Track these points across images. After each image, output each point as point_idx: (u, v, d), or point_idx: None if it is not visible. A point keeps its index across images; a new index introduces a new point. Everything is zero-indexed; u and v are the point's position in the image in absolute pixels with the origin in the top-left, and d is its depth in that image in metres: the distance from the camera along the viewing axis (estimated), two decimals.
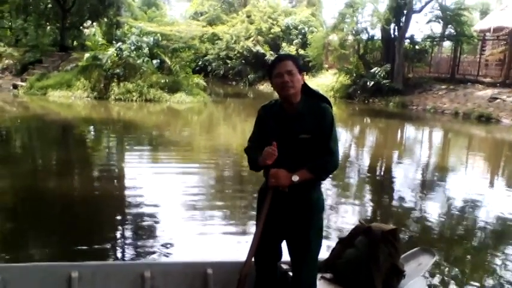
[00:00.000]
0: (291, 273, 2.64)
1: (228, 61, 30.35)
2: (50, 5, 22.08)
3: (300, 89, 2.45)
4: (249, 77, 29.13)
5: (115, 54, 16.72)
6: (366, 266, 2.54)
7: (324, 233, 4.11)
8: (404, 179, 8.07)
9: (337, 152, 2.45)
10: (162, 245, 4.34)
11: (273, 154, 2.38)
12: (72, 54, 19.76)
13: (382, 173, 8.73)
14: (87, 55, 17.14)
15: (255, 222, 4.95)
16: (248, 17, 30.79)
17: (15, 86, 18.27)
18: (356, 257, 2.58)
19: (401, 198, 6.70)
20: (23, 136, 11.06)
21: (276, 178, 2.39)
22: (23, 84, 18.01)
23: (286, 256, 2.62)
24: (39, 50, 20.25)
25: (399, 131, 14.84)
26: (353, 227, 2.85)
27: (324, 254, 2.69)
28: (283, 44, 28.55)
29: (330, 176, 2.56)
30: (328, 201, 5.92)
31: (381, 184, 7.84)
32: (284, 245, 2.59)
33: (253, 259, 2.52)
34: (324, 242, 2.65)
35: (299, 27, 28.93)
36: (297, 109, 2.45)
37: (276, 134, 2.46)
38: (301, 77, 2.45)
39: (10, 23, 24.71)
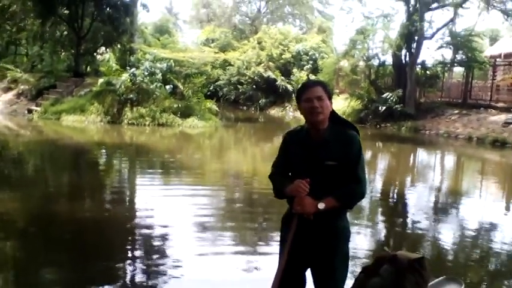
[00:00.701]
0: None
1: (239, 86, 30.58)
2: (65, 32, 22.54)
3: (328, 115, 2.42)
4: (260, 101, 29.28)
5: (129, 80, 16.94)
6: None
7: None
8: (418, 203, 7.94)
9: (364, 180, 2.41)
10: (172, 269, 4.30)
11: (305, 191, 2.33)
12: (86, 80, 20.07)
13: (395, 198, 8.61)
14: (101, 80, 17.39)
15: (268, 244, 4.93)
16: (259, 43, 31.13)
17: (29, 111, 18.53)
18: (381, 286, 2.50)
19: (415, 223, 6.58)
20: (36, 160, 11.14)
21: (301, 205, 2.34)
22: (38, 109, 18.26)
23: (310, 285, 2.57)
24: (53, 76, 20.60)
25: (412, 156, 14.73)
26: (375, 255, 2.79)
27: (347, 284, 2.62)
28: (294, 70, 28.74)
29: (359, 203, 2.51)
30: None
31: (393, 209, 7.73)
32: (308, 273, 2.53)
33: None
34: None
35: (310, 53, 29.15)
36: (323, 135, 2.41)
37: (301, 161, 2.43)
38: (330, 104, 2.42)
39: (26, 50, 25.28)
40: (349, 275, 2.55)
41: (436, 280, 2.85)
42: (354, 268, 3.74)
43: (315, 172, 2.38)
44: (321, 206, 2.32)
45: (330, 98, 2.43)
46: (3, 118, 17.87)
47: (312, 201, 2.33)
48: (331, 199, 2.34)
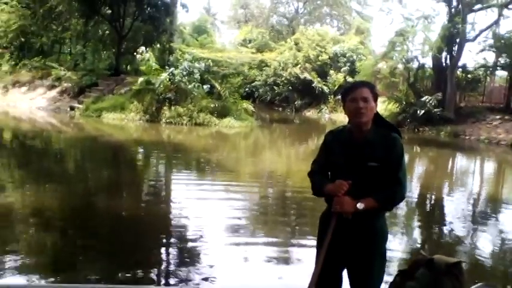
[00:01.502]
0: None
1: (275, 87, 30.62)
2: (107, 32, 23.16)
3: (371, 117, 2.43)
4: (295, 103, 29.25)
5: (167, 79, 17.25)
6: None
7: None
8: (456, 210, 7.77)
9: (405, 183, 2.42)
10: (206, 270, 4.33)
11: (344, 190, 2.37)
12: (126, 78, 20.56)
13: (433, 203, 8.46)
14: (140, 79, 17.77)
15: (303, 250, 4.93)
16: (296, 44, 31.07)
17: (72, 108, 19.16)
18: None
19: (452, 230, 6.46)
20: (77, 156, 11.51)
21: (340, 205, 2.37)
22: (80, 106, 18.85)
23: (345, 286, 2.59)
24: (95, 74, 21.22)
25: (451, 161, 14.41)
26: (411, 258, 2.78)
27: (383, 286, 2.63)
28: (331, 71, 28.54)
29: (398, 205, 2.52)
30: None
31: (431, 214, 7.61)
32: (345, 273, 2.55)
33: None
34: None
35: (347, 55, 28.88)
36: (366, 136, 2.43)
37: (342, 160, 2.45)
38: (375, 105, 2.43)
39: (70, 49, 26.11)
40: (385, 276, 2.56)
41: (474, 286, 2.82)
42: (391, 270, 3.72)
43: (356, 172, 2.40)
44: (360, 206, 2.34)
45: (375, 100, 2.44)
46: (47, 115, 18.54)
47: (351, 201, 2.36)
48: (371, 200, 2.36)
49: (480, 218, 7.40)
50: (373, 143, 2.41)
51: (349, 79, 26.98)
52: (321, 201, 2.64)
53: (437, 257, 2.53)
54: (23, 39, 23.39)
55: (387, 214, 2.58)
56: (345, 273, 2.57)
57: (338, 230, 2.40)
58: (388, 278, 2.66)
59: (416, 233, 6.35)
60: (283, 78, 30.02)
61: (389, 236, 5.53)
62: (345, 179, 2.39)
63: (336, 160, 2.49)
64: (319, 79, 28.33)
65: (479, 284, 2.85)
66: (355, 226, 2.41)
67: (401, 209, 7.47)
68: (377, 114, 2.48)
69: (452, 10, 21.33)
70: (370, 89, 2.43)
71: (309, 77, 28.59)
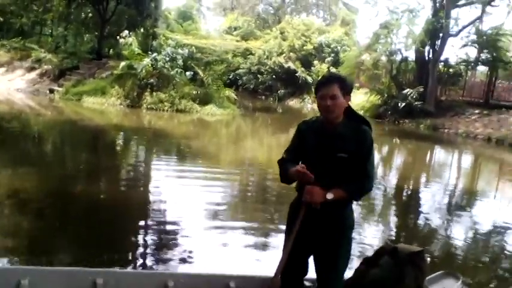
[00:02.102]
0: None
1: (259, 76, 30.55)
2: (90, 14, 22.75)
3: (340, 113, 2.46)
4: (279, 92, 29.24)
5: (150, 65, 17.06)
6: (391, 287, 2.51)
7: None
8: (431, 201, 7.91)
9: (373, 175, 2.47)
10: (184, 254, 4.37)
11: (307, 180, 2.40)
12: (108, 63, 20.27)
13: (409, 195, 8.59)
14: (122, 64, 17.54)
15: (276, 237, 4.98)
16: (281, 33, 31.00)
17: (51, 91, 18.83)
18: (381, 277, 2.56)
19: (427, 221, 6.58)
20: (55, 139, 11.36)
21: (310, 195, 2.40)
22: (59, 89, 18.54)
23: (310, 273, 2.63)
24: (76, 57, 20.84)
25: (429, 154, 14.61)
26: (378, 247, 2.84)
27: (347, 273, 2.68)
28: (315, 62, 28.58)
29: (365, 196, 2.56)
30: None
31: (407, 205, 7.73)
32: (311, 261, 2.60)
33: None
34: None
35: (332, 46, 28.94)
36: (337, 128, 2.47)
37: (314, 150, 2.49)
38: (346, 100, 2.46)
39: (51, 31, 25.58)
40: (350, 265, 2.60)
41: (435, 274, 2.90)
42: (358, 259, 3.79)
43: (326, 162, 2.45)
44: (329, 196, 2.38)
45: (347, 94, 2.46)
46: (25, 97, 18.19)
47: (321, 191, 2.39)
48: (340, 190, 2.40)
49: (454, 209, 7.55)
50: (343, 135, 2.44)
51: (333, 69, 27.07)
52: None
53: (400, 246, 2.59)
54: (1, 19, 22.80)
55: (362, 203, 2.62)
56: (310, 260, 2.61)
57: (307, 219, 2.45)
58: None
59: (391, 224, 6.44)
60: (267, 67, 29.97)
61: (365, 227, 5.66)
62: (315, 169, 2.42)
63: (308, 149, 2.52)
64: (303, 69, 28.36)
65: (439, 272, 2.94)
66: (324, 215, 2.45)
67: (378, 199, 7.59)
68: (349, 107, 2.51)
69: (437, 4, 21.51)
70: (340, 84, 2.44)
71: (293, 66, 28.59)
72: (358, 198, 2.56)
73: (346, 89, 2.46)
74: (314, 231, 2.48)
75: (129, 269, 3.99)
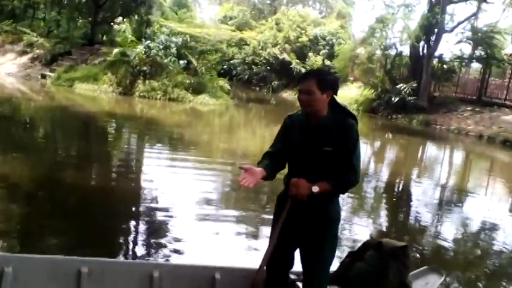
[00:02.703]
0: (299, 283, 2.64)
1: (254, 66, 30.46)
2: None
3: (321, 107, 2.45)
4: (273, 83, 29.19)
5: (143, 52, 16.94)
6: (375, 280, 2.53)
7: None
8: (422, 197, 7.93)
9: (359, 168, 2.46)
10: (174, 244, 4.35)
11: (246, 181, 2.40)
12: (101, 49, 20.08)
13: (399, 190, 8.63)
14: (115, 51, 17.41)
15: (267, 226, 4.98)
16: (277, 24, 30.88)
17: (43, 76, 18.66)
18: (365, 271, 2.57)
19: (417, 217, 6.60)
20: (46, 125, 11.27)
21: (296, 187, 2.40)
22: (51, 74, 18.38)
23: (296, 267, 2.62)
24: (69, 42, 20.62)
25: (421, 149, 14.67)
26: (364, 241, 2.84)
27: (333, 266, 2.68)
28: (310, 54, 28.53)
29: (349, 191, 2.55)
30: (343, 215, 5.90)
31: (397, 201, 7.75)
32: (297, 254, 2.59)
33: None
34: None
35: (327, 38, 28.88)
36: (322, 122, 2.46)
37: (299, 144, 2.49)
38: (326, 96, 2.43)
39: (44, 15, 25.24)
40: (336, 258, 2.60)
41: (419, 269, 2.91)
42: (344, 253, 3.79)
43: (311, 156, 2.45)
44: (315, 189, 2.37)
45: (327, 90, 2.43)
46: (16, 81, 18.03)
47: (306, 184, 2.39)
48: (326, 184, 2.39)
49: (444, 206, 7.58)
50: (328, 129, 2.43)
51: (327, 62, 27.08)
52: None
53: (385, 241, 2.59)
54: None
55: (353, 197, 2.61)
56: (296, 253, 2.60)
57: (293, 212, 2.44)
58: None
59: (381, 219, 6.46)
60: (261, 58, 29.89)
61: (354, 222, 5.66)
62: (301, 163, 2.45)
63: (293, 143, 2.52)
64: (297, 61, 28.31)
65: (423, 268, 2.96)
66: (309, 209, 2.45)
67: (369, 193, 7.61)
68: (334, 101, 2.50)
69: (433, 0, 21.46)
70: (318, 80, 2.42)
71: (287, 58, 28.54)
72: (344, 191, 2.56)
73: (325, 85, 2.43)
74: (300, 224, 2.48)
75: (116, 258, 3.96)
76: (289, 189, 2.45)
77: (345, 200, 6.41)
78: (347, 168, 2.42)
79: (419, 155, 13.87)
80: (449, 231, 5.99)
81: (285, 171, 2.61)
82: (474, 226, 6.46)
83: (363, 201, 6.87)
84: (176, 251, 4.22)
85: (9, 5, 22.92)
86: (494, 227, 6.44)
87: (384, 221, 6.35)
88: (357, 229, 5.44)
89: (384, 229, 5.83)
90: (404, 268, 2.50)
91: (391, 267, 2.47)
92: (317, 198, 2.40)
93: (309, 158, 2.44)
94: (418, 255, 4.79)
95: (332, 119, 2.46)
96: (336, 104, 2.51)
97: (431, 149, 15.38)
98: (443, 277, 2.88)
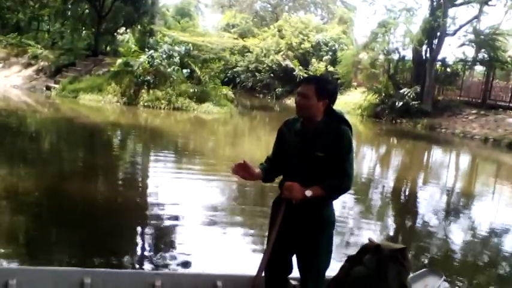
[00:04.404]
0: None
1: (257, 74, 30.49)
2: (87, 11, 22.68)
3: (314, 114, 2.49)
4: (276, 90, 29.20)
5: (147, 62, 17.03)
6: (375, 284, 2.53)
7: (340, 252, 4.09)
8: (428, 202, 7.91)
9: (351, 174, 2.49)
10: (178, 252, 4.38)
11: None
12: (104, 59, 20.21)
13: (406, 195, 8.61)
14: (119, 61, 17.50)
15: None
16: (279, 31, 30.94)
17: (48, 88, 18.78)
18: (364, 275, 2.58)
19: (424, 222, 6.59)
20: (52, 137, 11.33)
21: (289, 191, 2.44)
22: (56, 86, 18.50)
23: (296, 272, 2.63)
24: (73, 54, 20.78)
25: (426, 154, 14.62)
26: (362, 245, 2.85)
27: (333, 271, 2.68)
28: (313, 60, 28.54)
29: (344, 195, 2.59)
30: (350, 220, 5.94)
31: (404, 206, 7.72)
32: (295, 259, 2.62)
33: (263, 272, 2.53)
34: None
35: (329, 44, 28.90)
36: (317, 128, 2.50)
37: (294, 149, 2.54)
38: (322, 104, 2.48)
39: (48, 27, 25.51)
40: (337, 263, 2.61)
41: (418, 272, 2.92)
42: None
43: (305, 161, 2.50)
44: (308, 193, 2.41)
45: (324, 98, 2.48)
46: (22, 93, 18.16)
47: (299, 187, 2.43)
48: (319, 188, 2.43)
49: (451, 210, 7.55)
50: (322, 134, 2.48)
51: (331, 68, 27.08)
52: None
53: (383, 244, 2.61)
54: None
55: (360, 203, 2.62)
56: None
57: (287, 217, 2.47)
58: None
59: (388, 224, 6.45)
60: (265, 65, 29.92)
61: (362, 227, 5.64)
62: (294, 167, 2.50)
63: (287, 149, 2.58)
64: (300, 67, 28.31)
65: (423, 270, 2.97)
66: (303, 213, 2.48)
67: (376, 198, 7.62)
68: (329, 108, 2.53)
69: (434, 4, 21.46)
70: (317, 86, 2.48)
71: (290, 64, 28.55)
72: (336, 196, 2.58)
73: (323, 93, 2.48)
74: (295, 228, 2.51)
75: (119, 268, 3.97)
76: (282, 193, 2.50)
77: (352, 204, 6.42)
78: (340, 174, 2.46)
79: (425, 159, 13.83)
80: (456, 236, 5.97)
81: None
82: (482, 230, 6.43)
83: (370, 206, 6.87)
84: (180, 259, 4.23)
85: (14, 18, 23.19)
86: (502, 231, 6.40)
87: (391, 225, 6.34)
88: (365, 234, 5.42)
89: (391, 233, 5.82)
90: (403, 270, 2.52)
91: (390, 270, 2.49)
92: (310, 203, 2.44)
93: (302, 162, 2.49)
94: (425, 260, 4.77)
95: (326, 125, 2.50)
96: (331, 111, 2.55)
97: (437, 153, 15.33)
98: (443, 279, 2.90)
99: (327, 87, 2.53)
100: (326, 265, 2.55)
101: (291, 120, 2.66)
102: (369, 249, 2.60)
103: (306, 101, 2.46)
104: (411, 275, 2.78)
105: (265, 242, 4.71)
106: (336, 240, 4.74)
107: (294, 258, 2.62)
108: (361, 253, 2.63)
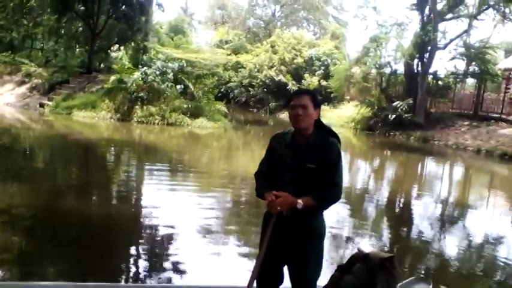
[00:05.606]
0: None
1: (251, 89, 30.68)
2: (80, 29, 22.80)
3: (311, 124, 2.57)
4: (270, 105, 29.35)
5: (140, 78, 17.09)
6: None
7: (333, 262, 4.10)
8: (423, 213, 7.93)
9: (340, 185, 2.55)
10: (173, 266, 4.38)
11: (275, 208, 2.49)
12: (98, 76, 20.26)
13: (400, 207, 8.62)
14: (113, 78, 17.55)
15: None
16: (272, 47, 31.23)
17: (41, 105, 18.78)
18: (354, 284, 2.59)
19: (419, 233, 6.60)
20: (46, 154, 11.29)
21: (280, 201, 2.48)
22: (50, 103, 18.50)
23: (287, 282, 2.64)
24: (67, 71, 20.82)
25: (420, 165, 14.69)
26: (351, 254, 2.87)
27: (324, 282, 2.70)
28: (306, 75, 28.78)
29: (333, 205, 2.63)
30: (345, 232, 5.97)
31: (399, 217, 7.74)
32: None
33: (255, 283, 2.54)
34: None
35: (322, 59, 29.18)
36: (307, 140, 2.56)
37: (284, 162, 2.58)
38: (316, 112, 2.57)
39: (42, 45, 25.59)
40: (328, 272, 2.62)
41: (407, 280, 2.94)
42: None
43: (295, 172, 2.54)
44: (299, 204, 2.45)
45: (317, 107, 2.58)
46: (15, 111, 18.14)
47: (290, 198, 2.47)
48: (309, 198, 2.48)
49: (446, 221, 7.57)
50: (312, 147, 2.54)
51: (324, 82, 27.30)
52: None
53: (372, 253, 2.63)
54: None
55: (355, 215, 2.64)
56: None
57: (278, 227, 2.50)
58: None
59: (384, 235, 6.46)
60: (258, 80, 30.12)
61: (357, 239, 5.65)
62: (285, 179, 2.54)
63: (278, 161, 2.62)
64: (293, 82, 28.51)
65: (411, 278, 2.99)
66: (294, 224, 2.52)
67: (370, 210, 7.63)
68: (319, 120, 2.61)
69: (425, 18, 21.78)
70: (311, 96, 2.58)
71: (283, 79, 28.76)
72: (327, 206, 2.62)
73: (316, 102, 2.59)
74: (285, 238, 2.54)
75: (116, 283, 3.96)
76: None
77: (346, 215, 6.43)
78: (330, 184, 2.51)
79: (419, 171, 13.89)
80: (451, 247, 5.98)
81: None
82: (476, 240, 6.45)
83: (364, 218, 6.88)
84: (174, 271, 4.25)
85: (7, 36, 23.25)
86: (494, 241, 6.43)
87: (386, 237, 6.35)
88: (361, 245, 5.43)
89: (387, 246, 5.83)
90: (392, 279, 2.53)
91: (379, 278, 2.50)
92: (300, 213, 2.47)
93: (293, 174, 2.53)
94: (421, 271, 4.77)
95: (316, 138, 2.56)
96: (321, 123, 2.63)
97: (430, 165, 15.39)
98: (431, 287, 2.91)
99: (317, 97, 2.64)
100: (317, 276, 2.58)
101: (280, 134, 2.72)
102: (358, 258, 2.63)
103: (305, 111, 2.52)
104: (400, 283, 2.80)
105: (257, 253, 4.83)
106: (330, 250, 4.81)
107: (286, 269, 2.64)
108: (350, 262, 2.65)
